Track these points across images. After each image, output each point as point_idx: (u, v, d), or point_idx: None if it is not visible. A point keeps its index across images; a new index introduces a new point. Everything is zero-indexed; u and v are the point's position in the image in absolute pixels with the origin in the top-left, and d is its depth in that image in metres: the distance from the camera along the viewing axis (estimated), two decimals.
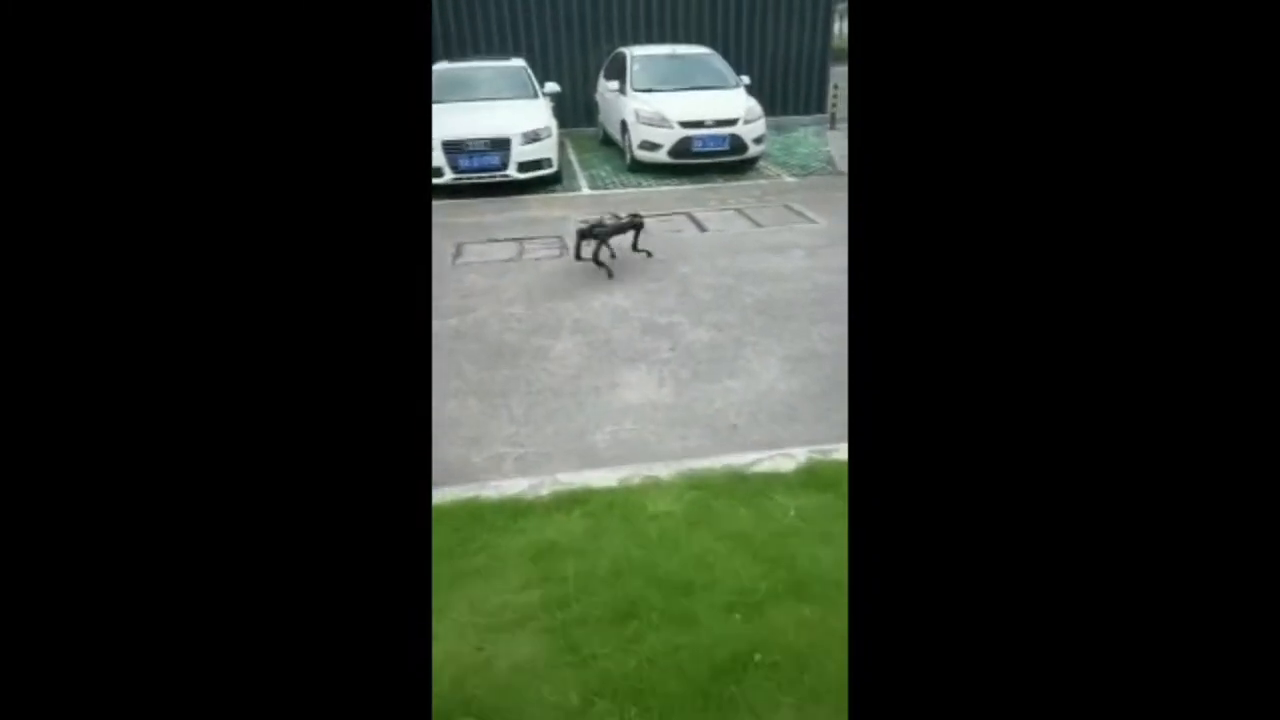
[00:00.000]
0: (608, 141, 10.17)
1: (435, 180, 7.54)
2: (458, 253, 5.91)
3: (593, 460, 3.04)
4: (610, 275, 5.18)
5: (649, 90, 8.73)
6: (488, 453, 3.15)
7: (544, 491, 2.62)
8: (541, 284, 5.03)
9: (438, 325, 4.51)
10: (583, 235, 5.19)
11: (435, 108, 8.31)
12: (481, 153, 7.52)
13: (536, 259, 5.72)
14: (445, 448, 3.20)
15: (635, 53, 9.27)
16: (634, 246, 5.56)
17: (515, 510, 2.49)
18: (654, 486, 2.63)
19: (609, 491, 2.61)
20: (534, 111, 8.12)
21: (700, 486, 2.64)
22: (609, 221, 5.30)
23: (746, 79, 9.19)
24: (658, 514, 2.47)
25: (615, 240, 5.38)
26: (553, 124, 7.95)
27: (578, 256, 5.28)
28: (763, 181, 8.15)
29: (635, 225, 5.46)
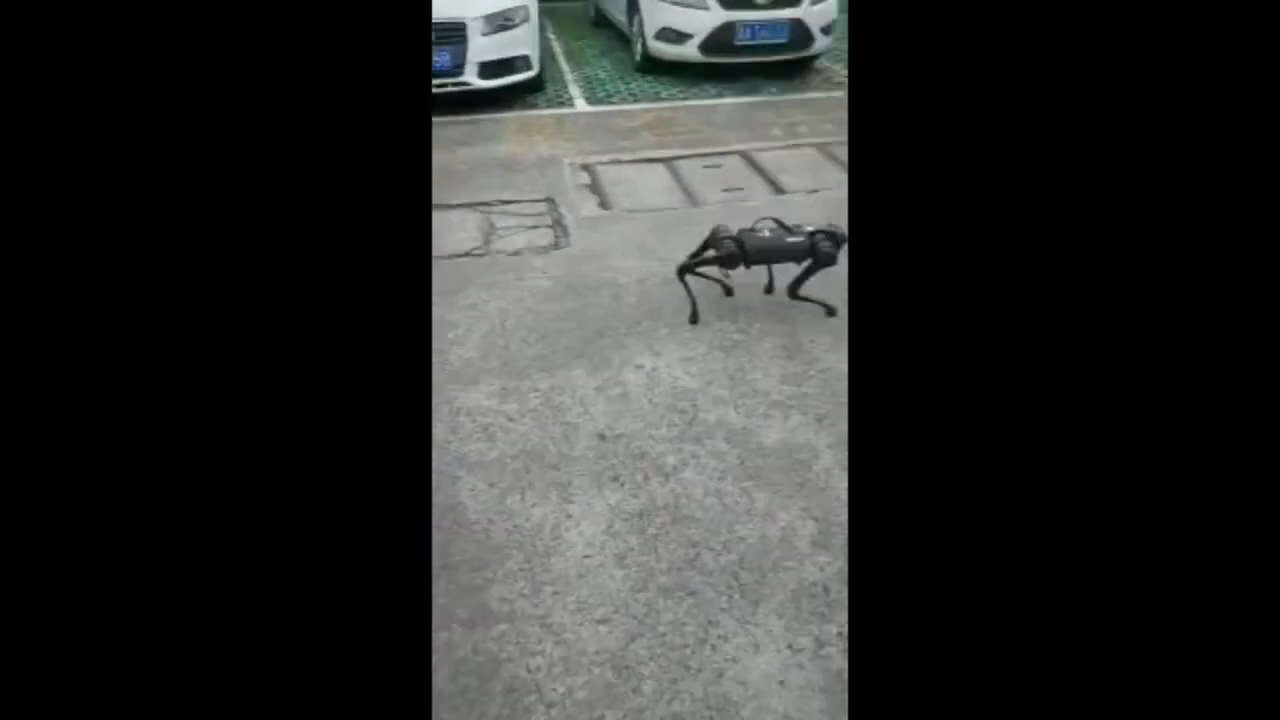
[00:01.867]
0: (602, 22, 7.45)
1: None
2: None
3: None
4: (729, 292, 3.05)
5: None
6: None
7: None
8: (542, 323, 2.79)
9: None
10: (716, 249, 2.83)
11: None
12: None
13: (515, 252, 3.43)
14: None
15: None
16: (793, 292, 2.93)
17: None
18: None
19: None
20: None
21: None
22: (768, 232, 2.83)
23: None
24: None
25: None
26: (531, 1, 5.33)
27: (692, 267, 2.94)
28: (835, 94, 5.70)
29: (820, 257, 2.81)
